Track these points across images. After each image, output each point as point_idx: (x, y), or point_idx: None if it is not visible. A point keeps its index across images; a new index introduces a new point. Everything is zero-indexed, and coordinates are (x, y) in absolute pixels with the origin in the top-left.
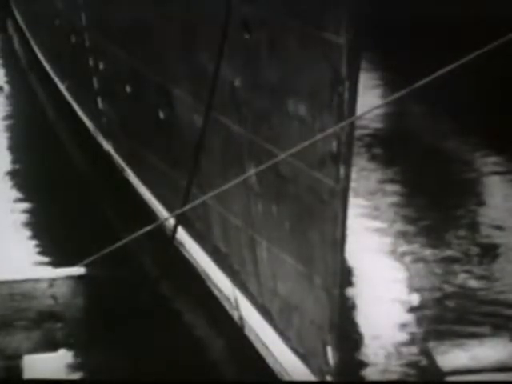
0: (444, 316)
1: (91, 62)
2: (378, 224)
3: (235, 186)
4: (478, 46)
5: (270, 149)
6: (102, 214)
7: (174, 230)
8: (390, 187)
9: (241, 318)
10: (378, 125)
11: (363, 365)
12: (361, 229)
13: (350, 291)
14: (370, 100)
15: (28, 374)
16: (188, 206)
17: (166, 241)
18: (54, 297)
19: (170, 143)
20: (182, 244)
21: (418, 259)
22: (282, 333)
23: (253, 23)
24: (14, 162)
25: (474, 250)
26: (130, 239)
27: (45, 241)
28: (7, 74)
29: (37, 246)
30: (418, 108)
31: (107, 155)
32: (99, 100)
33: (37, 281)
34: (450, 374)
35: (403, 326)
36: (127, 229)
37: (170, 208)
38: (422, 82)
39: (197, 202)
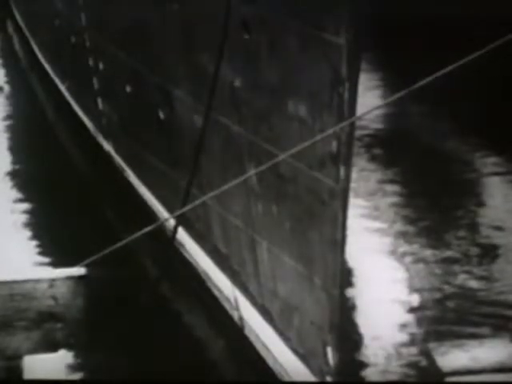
0: (444, 317)
1: (91, 63)
2: (378, 224)
3: (235, 187)
4: (478, 46)
5: (270, 149)
6: (102, 214)
7: (174, 231)
8: (389, 188)
9: (241, 318)
10: (378, 125)
11: (363, 365)
12: (361, 229)
13: (350, 292)
14: (370, 100)
15: (28, 375)
16: (188, 207)
17: (166, 241)
18: (54, 297)
19: (170, 143)
20: (182, 244)
21: (418, 260)
22: (282, 333)
23: (253, 23)
24: (14, 162)
25: (474, 250)
26: (130, 240)
27: (45, 241)
28: (7, 74)
29: (37, 246)
30: (418, 108)
31: (107, 155)
32: (99, 100)
33: (37, 281)
34: (449, 374)
35: (403, 326)
36: (127, 229)
37: (170, 208)
38: (422, 83)
39: (197, 202)
